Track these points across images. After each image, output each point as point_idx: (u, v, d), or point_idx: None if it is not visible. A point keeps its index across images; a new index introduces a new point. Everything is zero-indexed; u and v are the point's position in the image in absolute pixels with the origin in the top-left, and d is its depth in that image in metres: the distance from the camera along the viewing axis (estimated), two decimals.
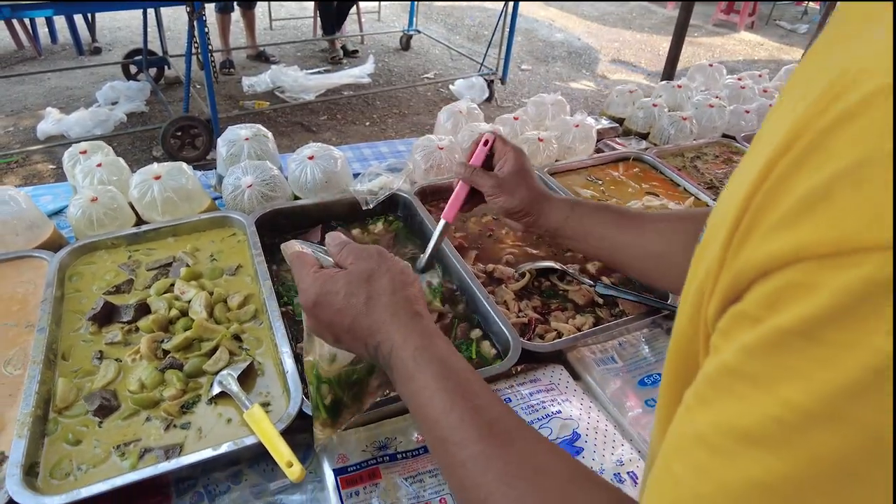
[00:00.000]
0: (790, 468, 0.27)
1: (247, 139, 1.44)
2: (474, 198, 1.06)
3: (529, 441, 0.52)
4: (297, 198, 1.39)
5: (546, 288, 1.24)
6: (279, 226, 1.32)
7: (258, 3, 7.05)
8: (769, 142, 0.31)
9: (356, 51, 6.25)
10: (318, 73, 5.52)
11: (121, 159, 1.40)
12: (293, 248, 0.74)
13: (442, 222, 1.07)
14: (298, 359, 1.00)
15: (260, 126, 1.49)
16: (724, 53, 7.25)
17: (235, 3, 5.47)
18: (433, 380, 0.57)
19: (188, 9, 3.71)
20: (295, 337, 1.05)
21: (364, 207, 1.35)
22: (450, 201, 1.06)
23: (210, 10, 5.39)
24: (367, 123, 4.94)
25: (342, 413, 0.78)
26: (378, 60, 5.96)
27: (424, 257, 1.11)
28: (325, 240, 0.73)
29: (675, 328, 0.42)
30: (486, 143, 1.04)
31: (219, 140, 1.46)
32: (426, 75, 5.90)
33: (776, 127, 0.31)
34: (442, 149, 1.49)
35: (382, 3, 7.49)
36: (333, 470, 0.86)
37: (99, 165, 1.33)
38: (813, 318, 0.26)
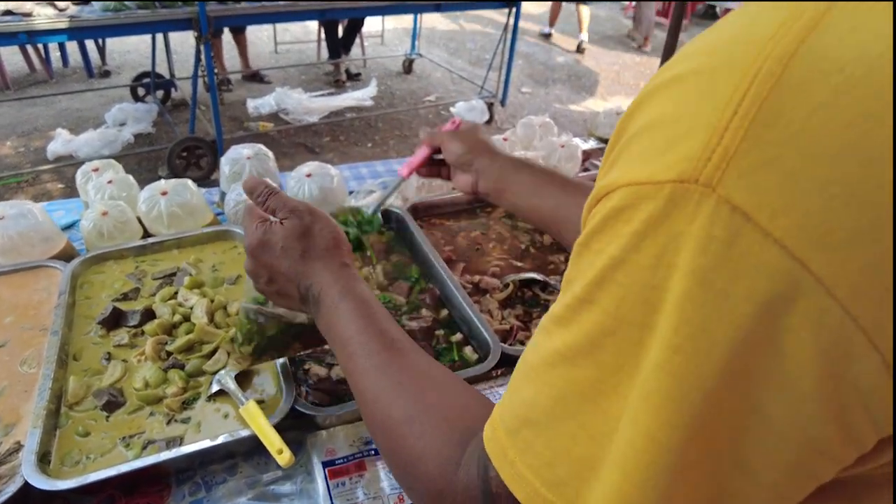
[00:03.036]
0: (570, 338, 0.40)
1: (248, 158, 1.52)
2: (433, 166, 1.18)
3: (420, 356, 0.66)
4: None
5: (529, 298, 1.31)
6: None
7: (264, 27, 7.25)
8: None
9: (359, 74, 6.40)
10: (322, 95, 5.65)
11: (130, 177, 1.49)
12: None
13: (398, 178, 1.16)
14: (292, 361, 1.08)
15: (261, 146, 1.58)
16: None
17: (226, 28, 5.62)
18: (351, 310, 0.69)
19: (195, 34, 3.86)
20: None
21: None
22: (409, 159, 1.17)
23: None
24: (370, 145, 5.05)
25: (262, 357, 0.93)
26: (381, 83, 6.10)
27: (373, 207, 1.13)
28: (244, 186, 0.83)
29: None
30: (454, 123, 1.16)
31: (222, 159, 1.54)
32: (428, 98, 6.03)
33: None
34: None
35: (386, 27, 7.68)
36: (322, 462, 0.93)
37: (110, 182, 1.42)
38: (588, 233, 0.39)
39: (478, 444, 0.49)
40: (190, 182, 1.43)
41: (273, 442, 0.85)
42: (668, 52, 3.81)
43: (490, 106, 5.43)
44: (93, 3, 3.61)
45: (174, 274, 1.27)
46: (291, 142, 5.02)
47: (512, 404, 0.45)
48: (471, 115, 5.41)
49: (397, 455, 0.58)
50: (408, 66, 6.62)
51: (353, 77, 6.35)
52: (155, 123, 5.04)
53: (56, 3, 3.51)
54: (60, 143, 4.42)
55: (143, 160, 4.59)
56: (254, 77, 6.09)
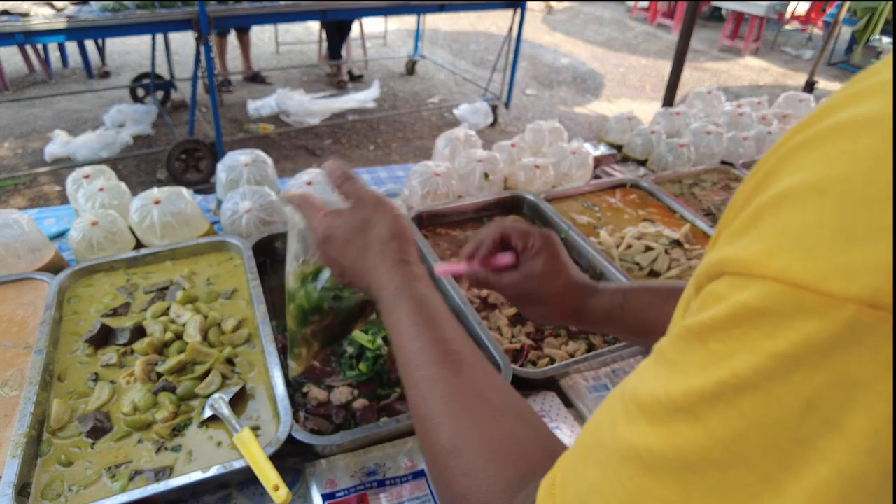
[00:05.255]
0: (656, 444, 0.31)
1: (246, 165, 1.46)
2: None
3: (478, 373, 0.57)
4: None
5: None
6: (275, 250, 1.34)
7: (266, 28, 7.19)
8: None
9: (361, 75, 6.34)
10: (324, 97, 5.59)
11: (122, 184, 1.43)
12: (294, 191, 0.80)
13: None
14: (290, 384, 1.01)
15: (260, 151, 1.52)
16: (728, 79, 7.32)
17: (234, 29, 5.58)
18: (407, 315, 0.62)
19: (195, 34, 3.80)
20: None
21: None
22: (451, 266, 0.88)
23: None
24: (372, 147, 4.99)
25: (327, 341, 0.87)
26: (383, 85, 6.04)
27: None
28: (325, 168, 0.77)
29: None
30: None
31: (218, 165, 1.48)
32: (431, 100, 5.97)
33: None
34: (438, 175, 1.51)
35: (388, 28, 7.62)
36: (322, 495, 0.87)
37: (101, 190, 1.36)
38: (705, 322, 0.30)
39: (528, 499, 0.42)
40: (184, 190, 1.37)
41: (269, 477, 0.79)
42: (680, 56, 3.75)
43: (494, 108, 5.37)
44: (91, 3, 3.56)
45: (167, 288, 1.20)
46: (292, 144, 4.95)
47: (576, 475, 0.38)
48: (475, 116, 5.36)
49: (441, 483, 0.52)
50: (410, 68, 6.55)
51: (356, 78, 6.28)
52: (154, 125, 4.97)
53: (54, 3, 3.46)
54: (58, 144, 4.37)
55: (141, 162, 4.53)
56: (254, 78, 6.03)
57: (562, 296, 0.81)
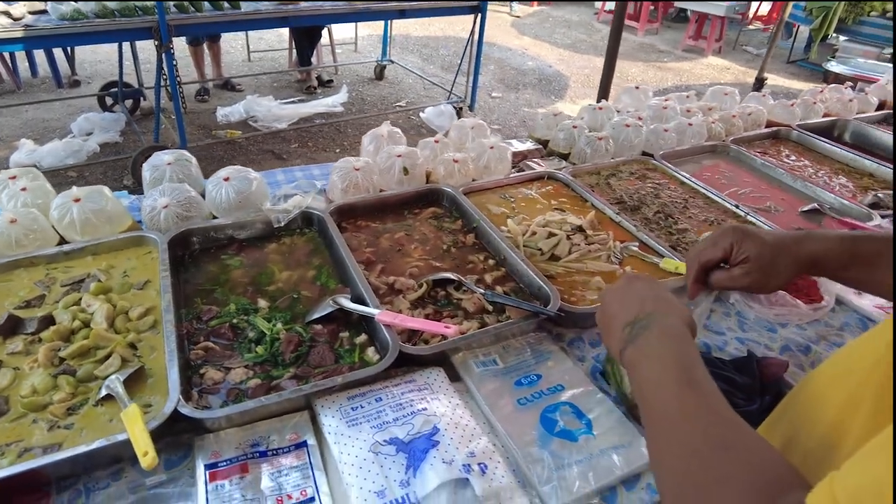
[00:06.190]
0: None
1: (169, 164, 1.52)
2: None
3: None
4: (214, 217, 1.46)
5: (441, 297, 1.31)
6: (193, 244, 1.39)
7: (238, 36, 7.23)
8: None
9: (331, 80, 6.41)
10: (292, 102, 5.64)
11: (47, 184, 1.48)
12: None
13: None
14: (190, 366, 1.07)
15: (183, 151, 1.57)
16: (691, 77, 7.46)
17: (204, 38, 5.62)
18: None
19: (156, 42, 3.84)
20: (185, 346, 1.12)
21: (275, 225, 1.42)
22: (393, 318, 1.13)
23: (184, 43, 5.55)
24: (338, 150, 5.05)
25: None
26: (352, 90, 6.10)
27: None
28: None
29: None
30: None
31: (144, 165, 1.54)
32: (398, 104, 6.04)
33: None
34: (358, 169, 1.57)
35: (359, 34, 7.68)
36: (205, 465, 0.92)
37: (23, 189, 1.41)
38: None
39: None
40: (106, 189, 1.42)
41: (140, 444, 0.85)
42: (611, 55, 3.84)
43: (459, 110, 5.45)
44: (49, 12, 3.59)
45: (83, 280, 1.26)
46: (259, 148, 5.00)
47: (879, 490, 0.39)
48: (440, 119, 5.44)
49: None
50: (380, 73, 6.63)
51: (325, 84, 6.35)
52: (122, 133, 5.00)
53: (11, 11, 3.49)
54: (24, 153, 4.37)
55: (108, 169, 4.56)
56: (226, 85, 6.07)
57: (787, 257, 0.88)
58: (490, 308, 1.27)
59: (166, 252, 1.30)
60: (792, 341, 1.33)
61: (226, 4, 4.14)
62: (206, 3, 4.07)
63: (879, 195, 1.84)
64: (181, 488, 0.91)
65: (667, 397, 0.61)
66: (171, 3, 3.87)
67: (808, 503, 0.43)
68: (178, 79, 4.11)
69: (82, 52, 6.47)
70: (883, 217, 1.72)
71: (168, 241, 1.33)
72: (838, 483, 0.42)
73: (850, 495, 0.40)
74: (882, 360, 0.58)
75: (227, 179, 1.45)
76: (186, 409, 0.94)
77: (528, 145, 1.99)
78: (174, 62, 3.99)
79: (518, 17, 9.88)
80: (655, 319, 0.71)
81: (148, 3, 3.73)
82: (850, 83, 2.69)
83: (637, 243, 1.48)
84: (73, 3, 3.55)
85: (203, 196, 1.49)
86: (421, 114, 5.54)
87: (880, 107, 2.64)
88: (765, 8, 9.51)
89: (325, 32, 6.36)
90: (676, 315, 0.73)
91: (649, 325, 0.71)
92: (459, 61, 5.56)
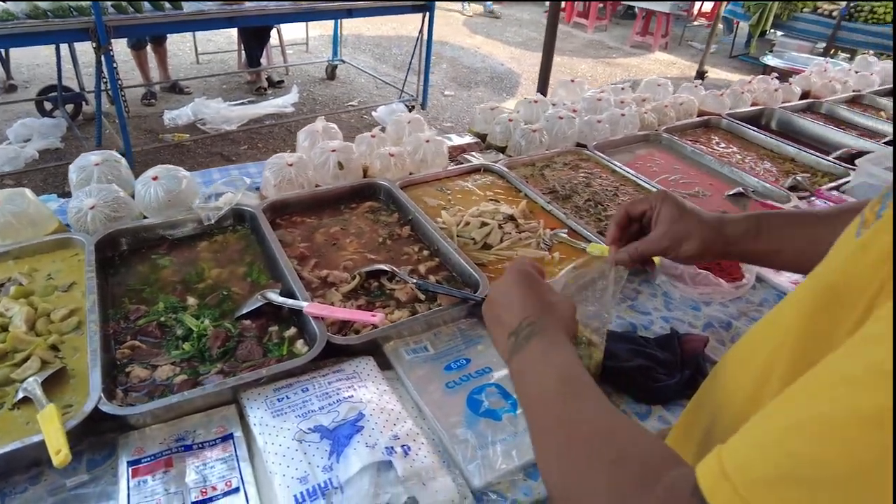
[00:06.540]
0: None
1: (97, 164, 1.49)
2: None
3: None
4: (145, 217, 1.44)
5: (374, 289, 1.33)
6: (120, 244, 1.37)
7: (186, 38, 7.07)
8: None
9: (282, 81, 6.34)
10: (242, 104, 5.56)
11: None
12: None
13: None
14: (115, 365, 1.06)
15: (112, 152, 1.55)
16: (639, 73, 7.64)
17: (149, 40, 5.49)
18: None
19: (94, 44, 3.74)
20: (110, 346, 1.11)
21: (206, 223, 1.42)
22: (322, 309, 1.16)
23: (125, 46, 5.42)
24: (289, 151, 4.98)
25: None
26: (303, 90, 6.05)
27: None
28: None
29: (826, 282, 0.56)
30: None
31: (70, 166, 1.51)
32: (350, 103, 6.02)
33: None
34: (291, 165, 1.58)
35: (311, 35, 7.62)
36: (128, 462, 0.92)
37: None
38: None
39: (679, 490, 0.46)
40: (28, 191, 1.39)
41: (53, 443, 0.84)
42: (548, 50, 3.91)
43: (411, 109, 5.47)
44: None
45: (2, 285, 1.23)
46: (207, 151, 4.92)
47: (767, 456, 0.41)
48: (392, 118, 5.45)
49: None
50: (331, 73, 6.59)
51: (276, 85, 6.28)
52: (64, 139, 4.84)
53: None
54: None
55: (49, 176, 4.41)
56: (173, 88, 5.95)
57: (702, 229, 0.92)
58: (422, 297, 1.29)
59: (93, 253, 1.28)
60: (715, 318, 1.39)
61: (167, 5, 4.06)
62: (147, 4, 3.99)
63: (798, 178, 1.93)
64: (102, 487, 0.90)
65: (551, 408, 0.64)
66: (109, 3, 3.77)
67: (697, 473, 0.45)
68: (120, 82, 4.01)
69: (19, 55, 6.23)
70: (800, 199, 1.81)
71: (95, 243, 1.31)
72: (725, 451, 0.45)
73: (736, 463, 0.43)
74: (790, 332, 0.61)
75: (155, 179, 1.43)
76: (108, 407, 0.94)
77: (467, 139, 2.02)
78: (114, 65, 3.89)
79: (469, 16, 9.95)
80: (538, 329, 0.74)
81: (83, 4, 3.62)
82: (776, 74, 2.81)
83: (566, 230, 1.53)
84: (1, 3, 3.42)
85: (133, 197, 1.47)
86: (373, 113, 5.53)
87: (804, 96, 2.77)
88: (708, 5, 9.81)
89: (274, 33, 6.30)
90: (557, 319, 0.77)
91: (532, 336, 0.74)
92: (410, 60, 5.57)
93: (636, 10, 9.05)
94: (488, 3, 9.77)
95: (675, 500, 0.46)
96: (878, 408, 0.37)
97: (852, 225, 0.59)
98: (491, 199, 1.65)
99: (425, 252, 1.46)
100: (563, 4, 9.91)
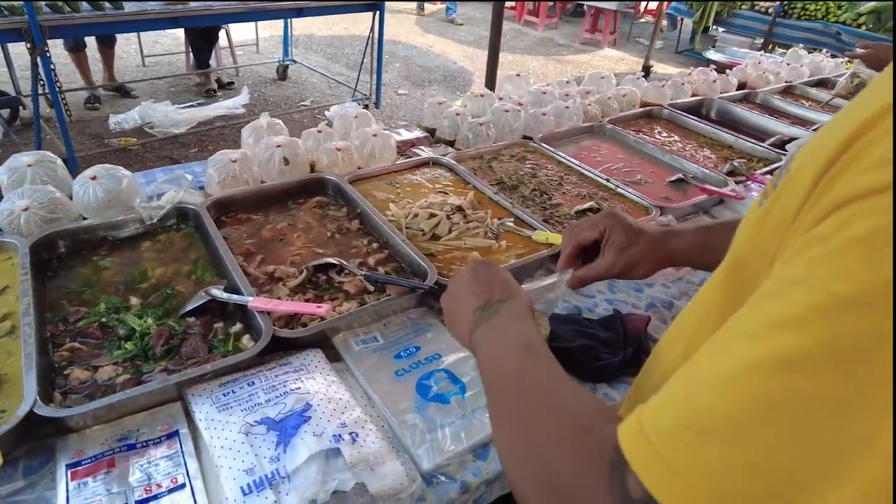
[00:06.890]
0: (814, 343, 0.36)
1: (29, 165, 1.44)
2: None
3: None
4: (84, 219, 1.41)
5: (323, 282, 1.32)
6: (57, 246, 1.33)
7: (131, 40, 6.86)
8: (855, 117, 0.42)
9: (232, 83, 6.22)
10: (191, 106, 5.43)
11: None
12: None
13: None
14: (53, 369, 1.03)
15: (47, 153, 1.50)
16: (589, 69, 7.73)
17: (96, 42, 5.33)
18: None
19: (28, 46, 3.59)
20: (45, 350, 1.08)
21: (147, 222, 1.39)
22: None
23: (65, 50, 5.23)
24: None
25: None
26: (254, 91, 5.95)
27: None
28: None
29: (737, 254, 0.60)
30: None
31: (0, 168, 1.45)
32: (303, 103, 5.95)
33: (865, 103, 0.43)
34: (235, 161, 1.56)
35: (260, 35, 7.49)
36: (67, 465, 0.90)
37: None
38: (874, 230, 0.36)
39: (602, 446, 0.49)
40: None
41: None
42: (493, 46, 3.97)
43: (365, 108, 5.44)
44: None
45: None
46: (156, 155, 4.79)
47: (675, 409, 0.45)
48: (339, 113, 5.42)
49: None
50: (282, 73, 6.50)
51: (226, 86, 6.15)
52: (1, 144, 4.64)
53: None
54: None
55: None
56: (120, 91, 5.76)
57: (652, 250, 0.96)
58: (371, 288, 1.29)
59: (27, 256, 1.24)
60: (657, 299, 1.44)
61: (107, 4, 3.93)
62: (85, 3, 3.86)
63: (735, 164, 2.01)
64: (40, 493, 0.88)
65: (507, 368, 0.67)
66: (43, 2, 3.63)
67: (619, 428, 0.49)
68: (59, 85, 3.87)
69: None
70: (738, 183, 1.89)
71: (30, 246, 1.27)
72: (643, 409, 0.48)
73: (650, 417, 0.46)
74: (711, 307, 0.64)
75: (94, 178, 1.39)
76: (43, 410, 0.91)
77: (416, 133, 2.03)
78: (52, 66, 3.75)
79: (423, 15, 9.97)
80: (504, 305, 0.77)
81: (15, 3, 3.48)
82: (714, 66, 2.91)
83: (513, 219, 1.55)
84: None
85: (71, 198, 1.43)
86: (326, 112, 5.47)
87: (741, 87, 2.89)
88: (654, 3, 10.08)
89: (223, 34, 6.17)
90: (521, 299, 0.80)
91: (499, 311, 0.77)
92: (362, 59, 5.55)
93: (585, 7, 9.23)
94: (451, 10, 9.74)
95: (600, 451, 0.49)
96: (760, 357, 0.40)
97: (758, 198, 0.62)
98: (440, 192, 1.67)
99: (374, 245, 1.46)
100: (514, 3, 10.05)
